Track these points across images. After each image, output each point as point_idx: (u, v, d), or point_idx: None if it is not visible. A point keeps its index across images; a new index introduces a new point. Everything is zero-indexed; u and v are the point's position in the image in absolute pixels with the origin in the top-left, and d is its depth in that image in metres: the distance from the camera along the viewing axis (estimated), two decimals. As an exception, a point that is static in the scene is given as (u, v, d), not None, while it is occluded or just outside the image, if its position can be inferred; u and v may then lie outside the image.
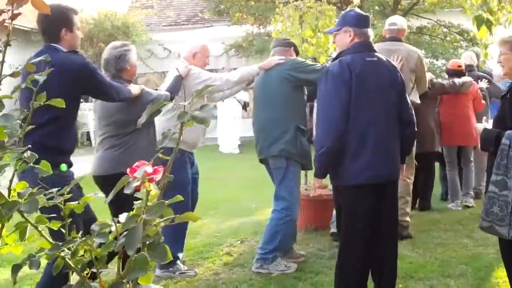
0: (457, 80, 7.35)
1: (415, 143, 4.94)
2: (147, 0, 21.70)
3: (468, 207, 7.48)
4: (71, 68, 3.71)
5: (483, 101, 7.77)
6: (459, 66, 7.80)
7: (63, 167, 3.70)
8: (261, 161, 5.29)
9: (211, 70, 18.11)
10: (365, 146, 3.86)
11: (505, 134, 3.73)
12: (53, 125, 3.67)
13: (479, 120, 5.45)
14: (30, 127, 1.86)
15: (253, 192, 8.97)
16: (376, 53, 4.04)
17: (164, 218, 1.71)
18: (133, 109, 4.32)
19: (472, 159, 7.84)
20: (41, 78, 1.84)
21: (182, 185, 4.68)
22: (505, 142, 3.70)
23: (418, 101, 6.12)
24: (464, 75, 7.66)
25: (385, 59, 4.07)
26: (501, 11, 4.23)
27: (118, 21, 17.11)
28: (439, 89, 7.19)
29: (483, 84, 7.89)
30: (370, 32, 4.14)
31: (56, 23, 3.79)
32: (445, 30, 16.74)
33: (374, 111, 3.89)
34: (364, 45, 4.05)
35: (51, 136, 3.66)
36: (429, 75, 7.08)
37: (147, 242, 1.64)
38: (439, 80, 7.65)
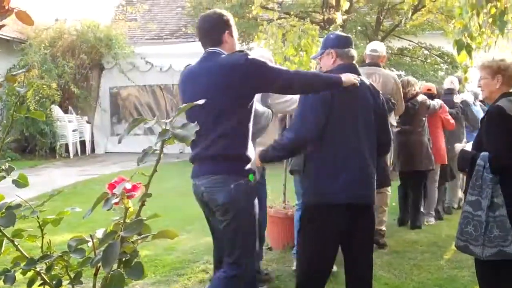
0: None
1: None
2: (131, 13, 21.67)
3: (444, 227, 7.58)
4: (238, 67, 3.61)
5: (452, 121, 8.02)
6: (429, 89, 8.20)
7: (251, 177, 3.65)
8: None
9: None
10: (344, 166, 3.85)
11: (480, 156, 3.82)
12: (236, 134, 3.62)
13: (455, 141, 5.57)
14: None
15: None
16: (359, 76, 4.02)
17: (143, 236, 1.70)
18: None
19: (436, 178, 8.01)
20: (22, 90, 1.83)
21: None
22: (480, 163, 3.81)
23: (395, 123, 6.26)
24: (434, 98, 7.89)
25: (368, 82, 4.09)
26: (481, 36, 4.29)
27: (101, 33, 17.04)
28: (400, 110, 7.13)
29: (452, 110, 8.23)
30: (353, 52, 4.16)
31: (218, 27, 3.79)
32: (425, 52, 16.96)
33: (356, 133, 3.88)
34: (347, 68, 4.03)
35: (234, 146, 3.61)
36: (422, 97, 7.40)
37: (124, 259, 1.63)
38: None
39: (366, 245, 4.09)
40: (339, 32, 4.67)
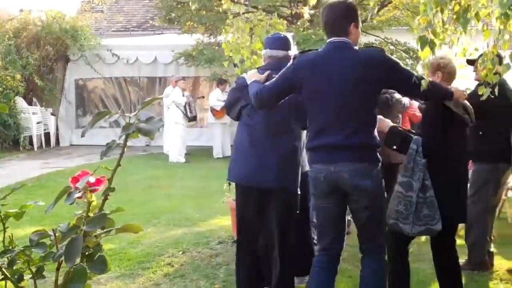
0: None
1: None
2: (97, 5, 21.43)
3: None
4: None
5: (418, 114, 8.13)
6: None
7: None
8: None
9: (159, 78, 18.02)
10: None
11: (412, 139, 4.07)
12: (372, 126, 3.81)
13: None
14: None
15: (197, 203, 8.93)
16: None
17: (106, 230, 1.69)
18: None
19: None
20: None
21: None
22: (413, 147, 4.04)
23: None
24: None
25: None
26: (445, 33, 4.33)
27: (67, 24, 16.81)
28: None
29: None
30: (268, 52, 4.51)
31: (347, 17, 3.83)
32: (391, 47, 17.07)
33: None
34: (266, 67, 4.40)
35: (373, 136, 3.80)
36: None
37: (87, 253, 1.62)
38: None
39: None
40: (278, 33, 4.82)
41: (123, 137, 1.64)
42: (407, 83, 3.76)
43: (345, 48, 3.75)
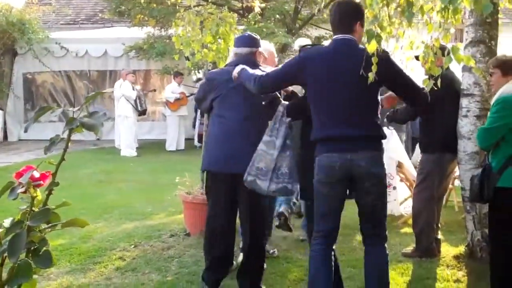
0: None
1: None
2: (45, -3, 21.04)
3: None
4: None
5: None
6: None
7: None
8: None
9: (110, 72, 17.79)
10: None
11: (281, 103, 4.43)
12: (378, 117, 4.10)
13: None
14: None
15: (149, 196, 8.89)
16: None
17: (51, 224, 1.69)
18: None
19: None
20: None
21: None
22: (280, 109, 4.35)
23: None
24: None
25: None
26: (392, 26, 4.42)
27: (14, 17, 16.45)
28: None
29: None
30: (234, 50, 4.83)
31: (353, 16, 4.02)
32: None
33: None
34: (233, 63, 4.69)
35: (380, 127, 4.10)
36: None
37: (32, 248, 1.62)
38: None
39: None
40: (245, 33, 5.18)
41: (67, 131, 1.63)
42: (402, 83, 4.05)
43: (351, 45, 3.96)
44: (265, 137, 4.33)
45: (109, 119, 15.77)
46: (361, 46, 3.99)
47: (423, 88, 4.06)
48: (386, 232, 4.10)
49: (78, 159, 12.67)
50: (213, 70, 4.89)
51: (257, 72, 4.29)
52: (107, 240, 6.36)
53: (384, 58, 3.82)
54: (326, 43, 5.22)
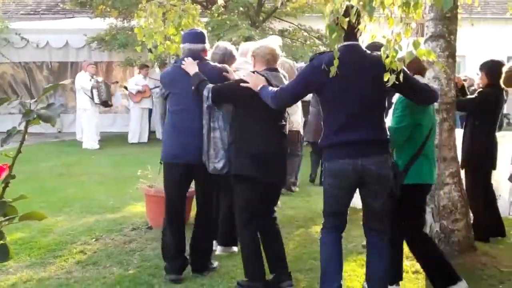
0: None
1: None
2: (5, -14, 20.65)
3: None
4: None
5: None
6: None
7: None
8: None
9: (71, 63, 17.50)
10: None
11: (205, 87, 4.74)
12: (384, 121, 4.30)
13: None
14: None
15: (110, 189, 8.82)
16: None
17: (7, 218, 1.67)
18: None
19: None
20: None
21: None
22: (205, 93, 4.72)
23: None
24: None
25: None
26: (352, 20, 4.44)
27: (-29, 7, 16.14)
28: None
29: None
30: (187, 45, 5.10)
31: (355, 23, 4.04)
32: (305, 34, 17.30)
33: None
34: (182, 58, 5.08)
35: (387, 131, 4.25)
36: None
37: (-12, 242, 1.60)
38: None
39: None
40: (191, 29, 5.62)
41: (23, 123, 1.61)
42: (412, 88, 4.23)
43: (358, 50, 4.10)
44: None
45: (69, 111, 15.59)
46: (368, 51, 4.18)
47: (431, 87, 4.33)
48: (389, 230, 4.29)
49: (39, 152, 12.50)
50: (164, 70, 5.40)
51: (274, 88, 4.42)
52: (68, 234, 6.30)
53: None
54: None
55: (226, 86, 4.81)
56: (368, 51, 4.17)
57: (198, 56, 5.03)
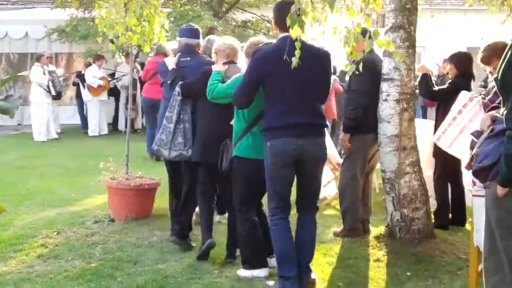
0: None
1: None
2: (-39, -25, 20.16)
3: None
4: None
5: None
6: None
7: None
8: None
9: (31, 54, 17.21)
10: None
11: (178, 84, 5.40)
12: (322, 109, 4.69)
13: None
14: None
15: (72, 182, 8.73)
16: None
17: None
18: None
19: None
20: None
21: None
22: (177, 89, 5.37)
23: None
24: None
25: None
26: (314, 11, 4.48)
27: None
28: None
29: None
30: (185, 40, 5.75)
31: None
32: (268, 25, 17.29)
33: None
34: (183, 52, 5.70)
35: (325, 116, 4.77)
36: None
37: None
38: None
39: None
40: (188, 25, 6.12)
41: (-21, 115, 1.59)
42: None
43: (301, 43, 4.08)
44: (166, 113, 5.45)
45: (29, 103, 15.36)
46: (307, 42, 4.37)
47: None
48: (317, 207, 4.79)
49: (-2, 145, 12.32)
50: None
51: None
52: (29, 228, 6.22)
53: (327, 56, 4.52)
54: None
55: (192, 82, 5.34)
56: (311, 44, 4.46)
57: (193, 50, 5.71)
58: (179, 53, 5.70)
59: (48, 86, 13.53)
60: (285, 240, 4.51)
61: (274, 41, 4.68)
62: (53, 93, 13.65)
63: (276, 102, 4.42)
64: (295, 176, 4.56)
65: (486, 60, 5.57)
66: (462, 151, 5.76)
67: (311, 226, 4.66)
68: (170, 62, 5.64)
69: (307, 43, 4.37)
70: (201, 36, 5.87)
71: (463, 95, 5.61)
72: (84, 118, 15.44)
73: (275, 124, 4.40)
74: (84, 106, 15.31)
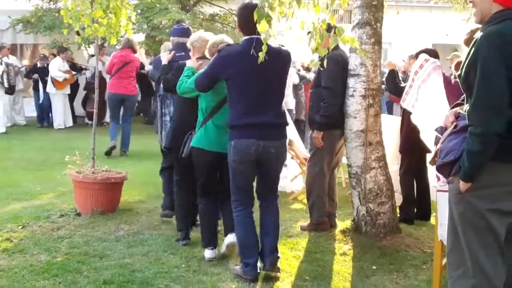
0: None
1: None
2: None
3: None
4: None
5: None
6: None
7: None
8: None
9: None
10: None
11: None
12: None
13: None
14: None
15: (37, 175, 8.64)
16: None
17: None
18: None
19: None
20: None
21: None
22: (161, 84, 5.92)
23: None
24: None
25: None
26: (281, 6, 4.50)
27: None
28: None
29: None
30: (176, 39, 6.35)
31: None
32: (236, 18, 17.28)
33: None
34: (177, 51, 6.11)
35: (285, 115, 5.02)
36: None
37: None
38: None
39: None
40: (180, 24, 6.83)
41: None
42: None
43: (261, 43, 4.16)
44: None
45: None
46: (271, 45, 4.52)
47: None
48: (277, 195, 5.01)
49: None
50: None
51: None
52: (-7, 222, 6.14)
53: (290, 55, 4.74)
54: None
55: (169, 78, 5.57)
56: (271, 45, 4.54)
57: (184, 47, 5.93)
58: (173, 51, 6.12)
59: (1, 77, 13.25)
60: (246, 230, 4.78)
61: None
62: (6, 85, 13.38)
63: (239, 102, 4.61)
64: (258, 171, 4.80)
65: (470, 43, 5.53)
66: (421, 122, 5.91)
67: (273, 211, 4.88)
68: (164, 59, 5.97)
69: (270, 44, 4.42)
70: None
71: (421, 57, 5.82)
72: (40, 111, 15.22)
73: (237, 123, 4.60)
74: (40, 99, 15.08)
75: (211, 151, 4.95)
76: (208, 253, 5.11)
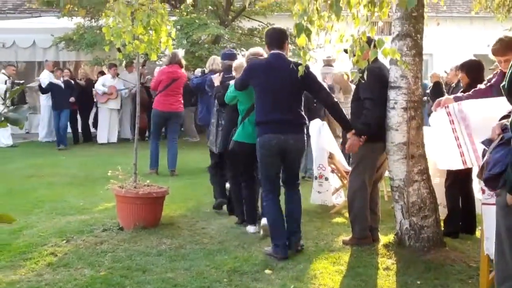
0: None
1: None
2: (-31, -15, 20.29)
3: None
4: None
5: None
6: None
7: None
8: None
9: (38, 63, 17.26)
10: None
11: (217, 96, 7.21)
12: (301, 107, 5.86)
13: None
14: None
15: (81, 190, 8.76)
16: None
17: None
18: None
19: None
20: None
21: None
22: (216, 101, 7.21)
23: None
24: None
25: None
26: (320, 20, 4.49)
27: None
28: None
29: None
30: (227, 62, 7.61)
31: (283, 38, 5.82)
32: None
33: None
34: (225, 71, 7.53)
35: (304, 115, 5.89)
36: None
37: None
38: None
39: None
40: (228, 49, 7.72)
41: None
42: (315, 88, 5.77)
43: (283, 58, 5.68)
44: (212, 120, 7.38)
45: (37, 111, 15.39)
46: (290, 58, 5.88)
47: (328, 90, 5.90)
48: (299, 182, 5.99)
49: (6, 153, 12.36)
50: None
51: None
52: (38, 236, 6.23)
53: (307, 69, 5.25)
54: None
55: (220, 95, 6.90)
56: (289, 59, 5.77)
57: (231, 69, 7.11)
58: (222, 73, 7.52)
59: (5, 95, 13.42)
60: (274, 216, 5.67)
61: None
62: (8, 103, 13.56)
63: (263, 103, 5.64)
64: (283, 164, 5.71)
65: (501, 52, 5.34)
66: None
67: (296, 196, 5.83)
68: (216, 81, 7.33)
69: (285, 57, 5.70)
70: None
71: (436, 115, 5.53)
72: (58, 132, 14.19)
73: (261, 119, 5.62)
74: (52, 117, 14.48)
75: (249, 143, 6.07)
76: (252, 228, 6.39)
